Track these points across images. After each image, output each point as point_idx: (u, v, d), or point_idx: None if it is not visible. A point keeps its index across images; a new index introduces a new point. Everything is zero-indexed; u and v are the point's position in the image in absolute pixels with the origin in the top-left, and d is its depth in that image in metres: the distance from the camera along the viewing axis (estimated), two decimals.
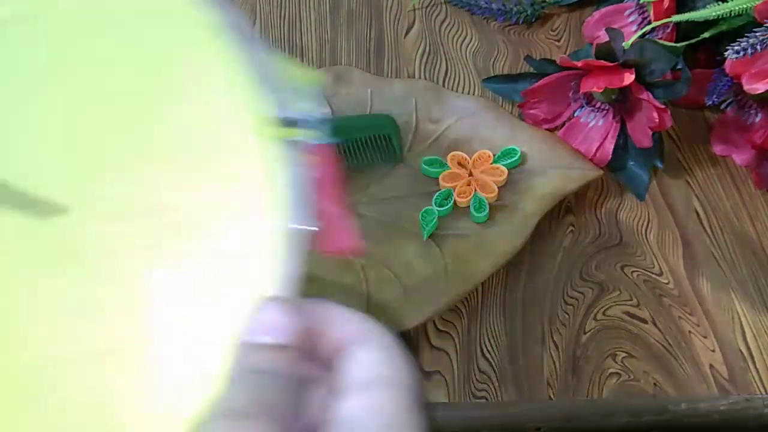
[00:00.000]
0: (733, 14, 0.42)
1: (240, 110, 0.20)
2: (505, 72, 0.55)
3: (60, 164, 0.21)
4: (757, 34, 0.40)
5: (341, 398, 0.19)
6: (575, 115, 0.50)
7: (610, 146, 0.48)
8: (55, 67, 0.22)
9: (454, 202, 0.45)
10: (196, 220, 0.20)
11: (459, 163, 0.47)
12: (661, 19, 0.45)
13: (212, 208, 0.20)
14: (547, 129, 0.50)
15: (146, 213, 0.20)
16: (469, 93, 0.53)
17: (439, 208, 0.44)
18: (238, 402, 0.19)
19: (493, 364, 0.41)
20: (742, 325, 0.42)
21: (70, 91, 0.22)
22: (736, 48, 0.40)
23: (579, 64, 0.45)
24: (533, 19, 0.59)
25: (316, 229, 0.18)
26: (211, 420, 0.19)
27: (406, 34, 0.58)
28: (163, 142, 0.20)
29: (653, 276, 0.44)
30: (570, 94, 0.49)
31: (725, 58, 0.41)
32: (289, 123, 0.19)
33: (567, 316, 0.42)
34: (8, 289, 0.20)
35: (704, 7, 0.42)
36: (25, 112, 0.22)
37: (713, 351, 0.41)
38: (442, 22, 0.59)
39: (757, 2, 0.40)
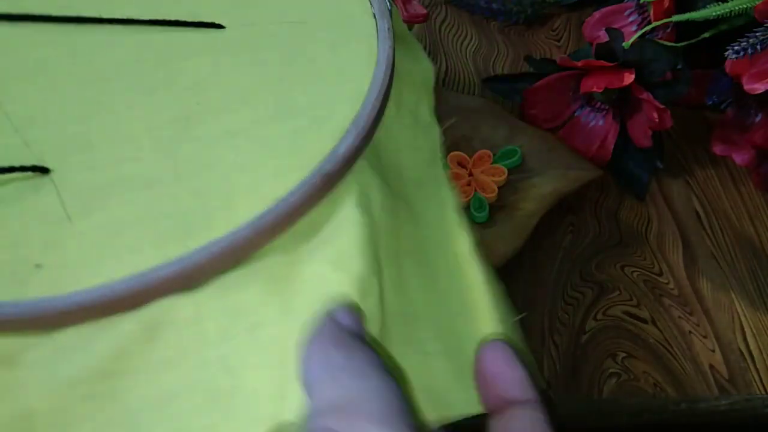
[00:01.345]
0: (733, 14, 0.41)
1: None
2: (505, 72, 0.55)
3: None
4: (757, 34, 0.40)
5: None
6: (575, 115, 0.50)
7: (610, 146, 0.48)
8: None
9: None
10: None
11: (459, 163, 0.47)
12: (661, 19, 0.45)
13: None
14: (547, 129, 0.50)
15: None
16: (469, 93, 0.53)
17: None
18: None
19: None
20: (742, 325, 0.42)
21: None
22: (736, 48, 0.40)
23: (579, 64, 0.45)
24: (533, 19, 0.59)
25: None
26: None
27: None
28: None
29: (653, 276, 0.44)
30: (570, 94, 0.49)
31: (725, 58, 0.41)
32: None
33: (567, 316, 0.42)
34: None
35: (704, 7, 0.42)
36: None
37: (713, 351, 0.41)
38: (442, 22, 0.59)
39: (757, 2, 0.40)
